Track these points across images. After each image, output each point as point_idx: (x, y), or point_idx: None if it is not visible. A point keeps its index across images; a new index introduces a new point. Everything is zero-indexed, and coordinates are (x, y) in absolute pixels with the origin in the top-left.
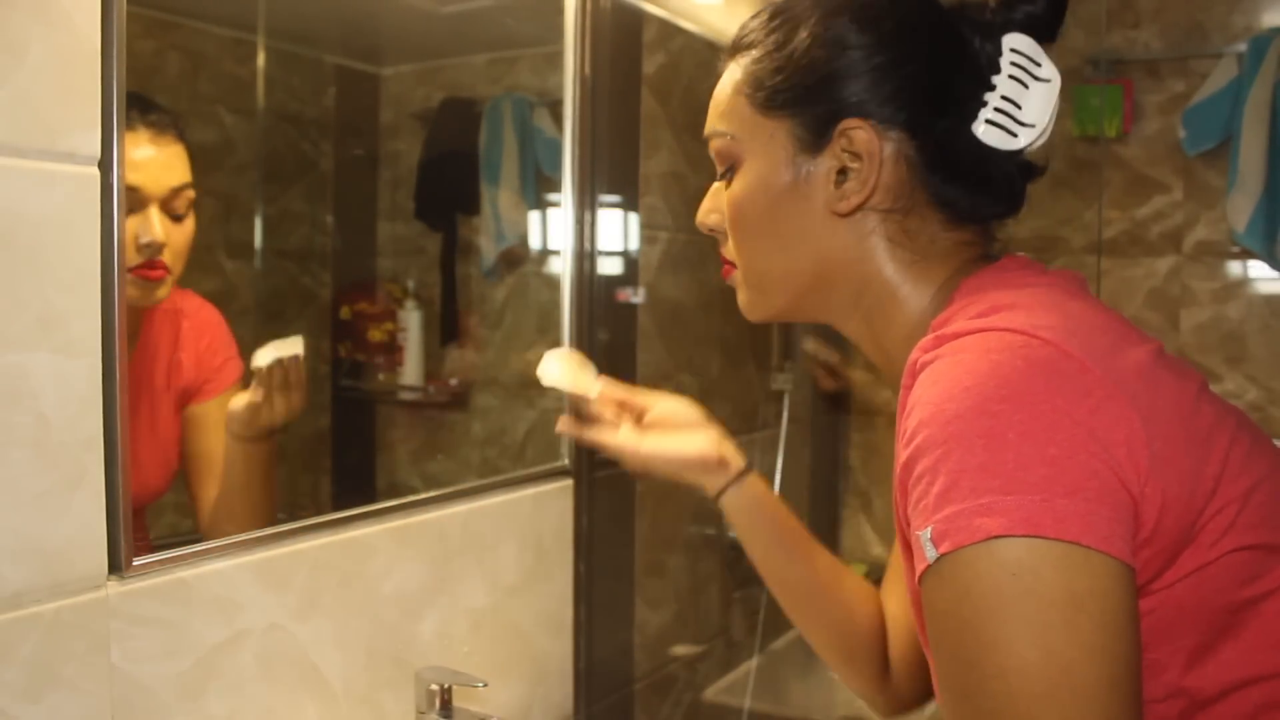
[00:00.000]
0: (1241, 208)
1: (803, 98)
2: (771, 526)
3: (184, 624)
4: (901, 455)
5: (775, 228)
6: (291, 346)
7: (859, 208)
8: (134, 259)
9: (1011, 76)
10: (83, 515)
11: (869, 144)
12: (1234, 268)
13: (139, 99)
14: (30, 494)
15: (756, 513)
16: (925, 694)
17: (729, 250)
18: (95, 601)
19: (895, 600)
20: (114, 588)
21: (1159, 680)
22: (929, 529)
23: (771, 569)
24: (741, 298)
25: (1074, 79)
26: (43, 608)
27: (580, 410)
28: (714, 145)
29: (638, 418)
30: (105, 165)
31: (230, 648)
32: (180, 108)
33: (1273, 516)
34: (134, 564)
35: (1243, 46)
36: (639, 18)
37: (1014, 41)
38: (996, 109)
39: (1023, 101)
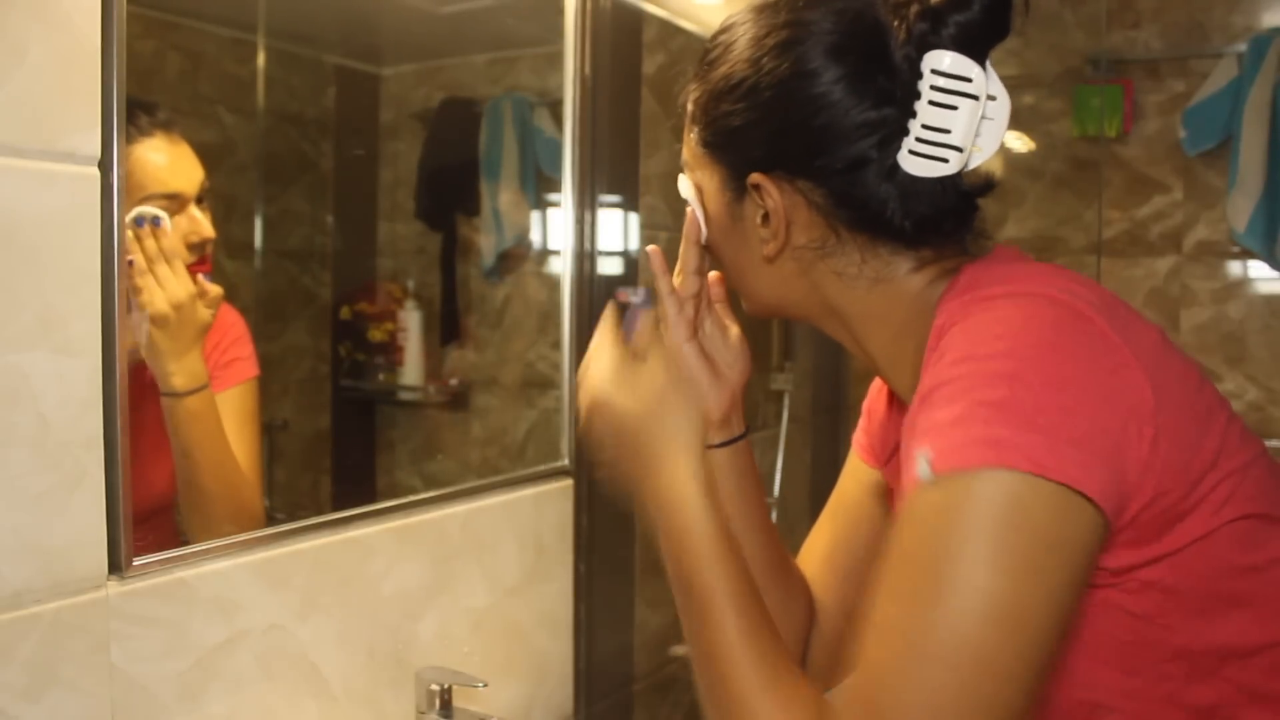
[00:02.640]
0: (1241, 208)
1: (720, 149)
2: (742, 497)
3: (184, 624)
4: (920, 401)
5: (730, 259)
6: (149, 209)
7: (780, 254)
8: (188, 258)
9: (932, 103)
10: (83, 515)
11: (773, 198)
12: (1234, 268)
13: (142, 103)
14: (30, 494)
15: (734, 479)
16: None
17: None
18: (95, 601)
19: (827, 580)
20: (114, 588)
21: (1167, 644)
22: (928, 450)
23: None
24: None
25: (1074, 79)
26: (43, 608)
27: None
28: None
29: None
30: (105, 165)
31: (230, 648)
32: (180, 108)
33: (1270, 491)
34: (134, 564)
35: (1243, 46)
36: (639, 18)
37: (934, 62)
38: (918, 139)
39: (951, 124)
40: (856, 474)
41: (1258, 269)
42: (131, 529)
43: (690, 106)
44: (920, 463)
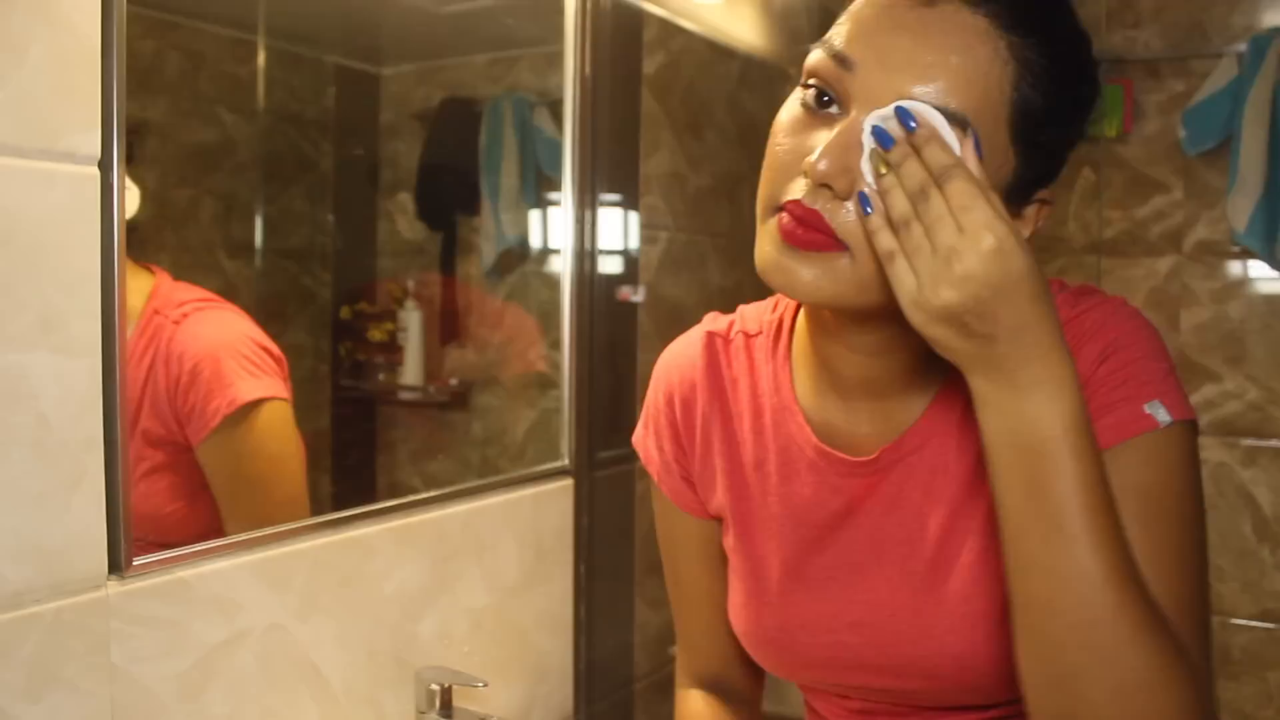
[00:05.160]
0: (1241, 208)
1: (1045, 150)
2: None
3: (184, 624)
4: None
5: None
6: None
7: None
8: None
9: None
10: (83, 515)
11: (1043, 218)
12: (1234, 268)
13: None
14: (30, 494)
15: None
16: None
17: (841, 222)
18: (95, 601)
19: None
20: (114, 588)
21: None
22: (1158, 400)
23: None
24: (817, 277)
25: None
26: (43, 608)
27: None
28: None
29: None
30: (105, 165)
31: (230, 648)
32: (180, 108)
33: None
34: (134, 564)
35: (1243, 46)
36: (639, 18)
37: None
38: None
39: None
40: (704, 535)
41: (1258, 269)
42: (132, 529)
43: (1013, 73)
44: (1156, 409)
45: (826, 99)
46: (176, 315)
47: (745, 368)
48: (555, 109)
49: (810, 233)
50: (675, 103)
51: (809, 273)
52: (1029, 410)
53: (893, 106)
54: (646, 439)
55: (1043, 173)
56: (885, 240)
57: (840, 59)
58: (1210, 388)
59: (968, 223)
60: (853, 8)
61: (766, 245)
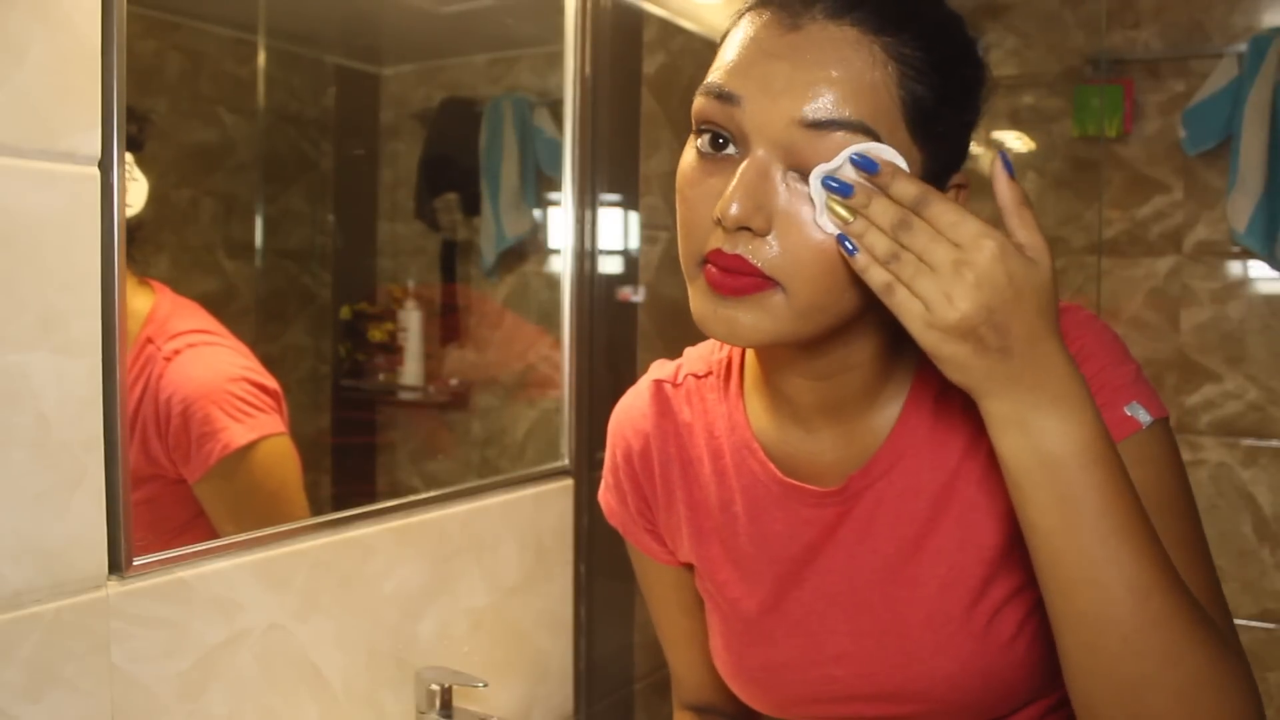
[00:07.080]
0: (1241, 208)
1: (946, 139)
2: None
3: (184, 624)
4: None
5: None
6: None
7: None
8: None
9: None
10: (83, 515)
11: (962, 203)
12: (1234, 268)
13: None
14: (30, 494)
15: None
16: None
17: (766, 259)
18: (95, 601)
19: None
20: (114, 588)
21: None
22: (1135, 402)
23: None
24: (757, 319)
25: (1074, 79)
26: (43, 608)
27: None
28: (833, 137)
29: None
30: (105, 165)
31: (230, 648)
32: (180, 108)
33: None
34: (134, 564)
35: (1243, 46)
36: (639, 18)
37: None
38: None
39: None
40: (676, 582)
41: (1258, 269)
42: (131, 529)
43: (895, 74)
44: (1137, 411)
45: (722, 140)
46: (168, 351)
47: (699, 411)
48: (555, 109)
49: (738, 278)
50: (675, 103)
51: (747, 317)
52: (1054, 426)
53: (844, 156)
54: (608, 496)
55: (949, 161)
56: (878, 274)
57: (724, 96)
58: (1210, 388)
59: (963, 236)
60: (723, 49)
61: (699, 300)
